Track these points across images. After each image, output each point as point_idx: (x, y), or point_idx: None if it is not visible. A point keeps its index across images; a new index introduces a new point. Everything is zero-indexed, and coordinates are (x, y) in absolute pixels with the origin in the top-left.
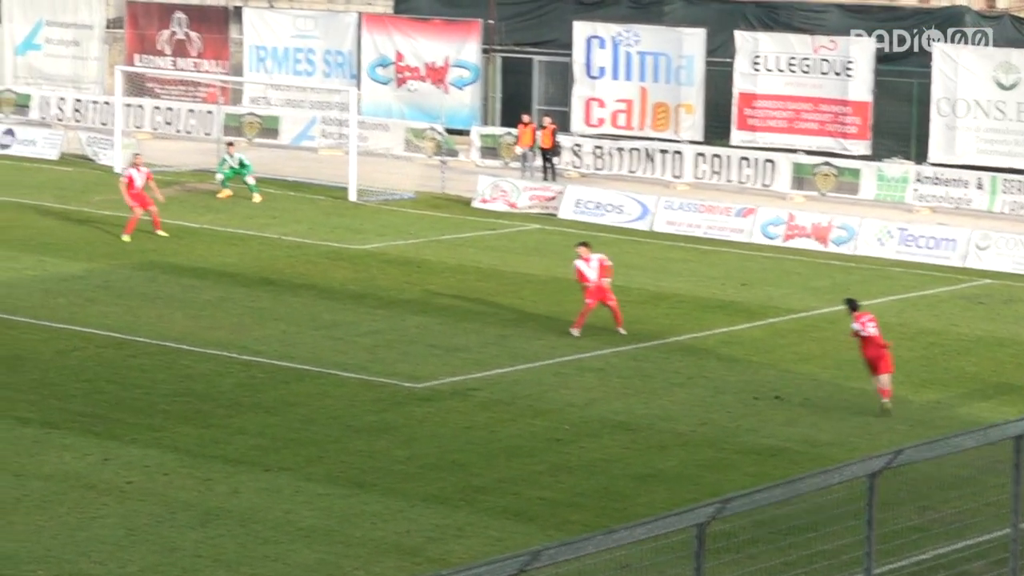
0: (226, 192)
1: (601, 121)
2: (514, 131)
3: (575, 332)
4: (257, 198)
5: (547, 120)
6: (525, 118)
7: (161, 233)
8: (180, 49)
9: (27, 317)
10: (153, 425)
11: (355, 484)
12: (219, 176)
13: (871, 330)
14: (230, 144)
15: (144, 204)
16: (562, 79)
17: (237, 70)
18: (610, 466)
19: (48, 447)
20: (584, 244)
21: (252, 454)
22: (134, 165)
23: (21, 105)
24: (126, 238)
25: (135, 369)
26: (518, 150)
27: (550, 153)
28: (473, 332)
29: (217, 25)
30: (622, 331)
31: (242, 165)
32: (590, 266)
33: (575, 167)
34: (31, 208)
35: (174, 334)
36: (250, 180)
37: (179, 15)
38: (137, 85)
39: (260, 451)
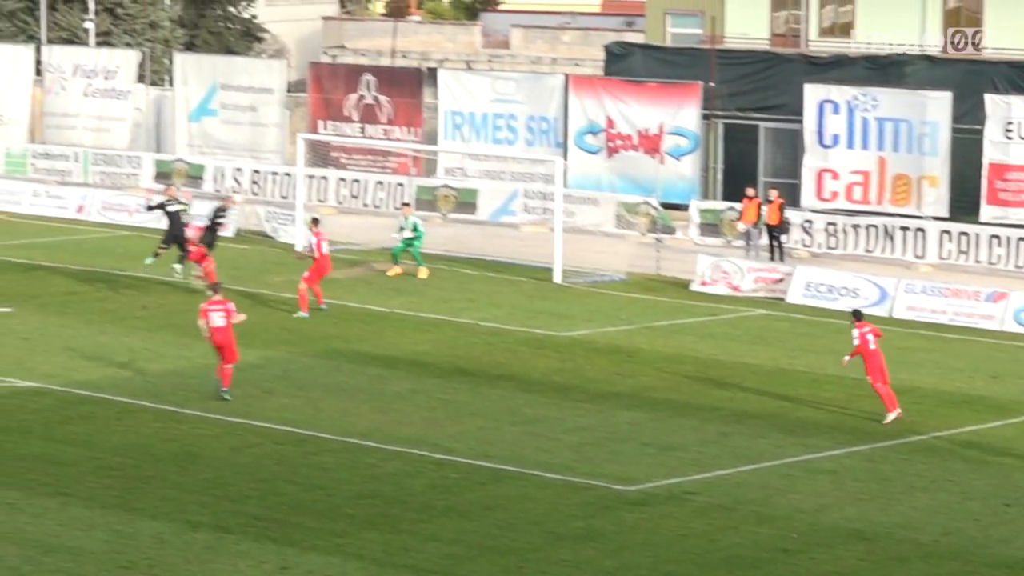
0: (396, 269)
1: (835, 195)
2: (737, 206)
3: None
4: (423, 273)
5: (774, 193)
6: (750, 191)
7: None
8: (369, 115)
9: (199, 410)
10: (336, 530)
11: None
12: (396, 236)
13: None
14: (405, 206)
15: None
16: (791, 148)
17: (431, 138)
18: None
19: (221, 554)
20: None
21: (445, 563)
22: (314, 232)
23: (194, 176)
24: (303, 314)
25: (316, 468)
26: (741, 227)
27: (778, 230)
28: (690, 429)
29: (409, 88)
30: None
31: (415, 231)
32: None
33: (805, 246)
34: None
35: (359, 429)
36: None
37: (368, 77)
38: (321, 155)
39: (454, 560)
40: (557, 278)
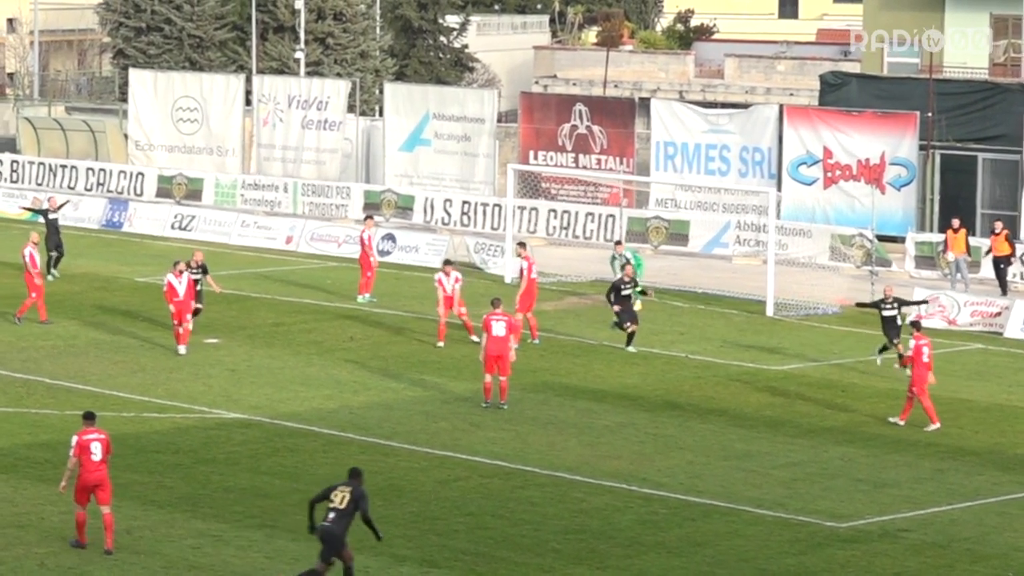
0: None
1: None
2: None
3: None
4: (638, 305)
5: (999, 225)
6: (955, 222)
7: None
8: (581, 145)
9: (405, 443)
10: (543, 566)
11: None
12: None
13: None
14: (618, 243)
15: (449, 306)
16: (1011, 179)
17: (643, 168)
18: None
19: None
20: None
21: None
22: (444, 271)
23: (404, 207)
24: (440, 344)
25: (523, 502)
26: (950, 256)
27: (1004, 262)
28: (904, 465)
29: (622, 119)
30: None
31: (635, 260)
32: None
33: None
34: (412, 321)
35: (567, 463)
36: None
37: (580, 107)
38: (531, 185)
39: None
40: (769, 311)
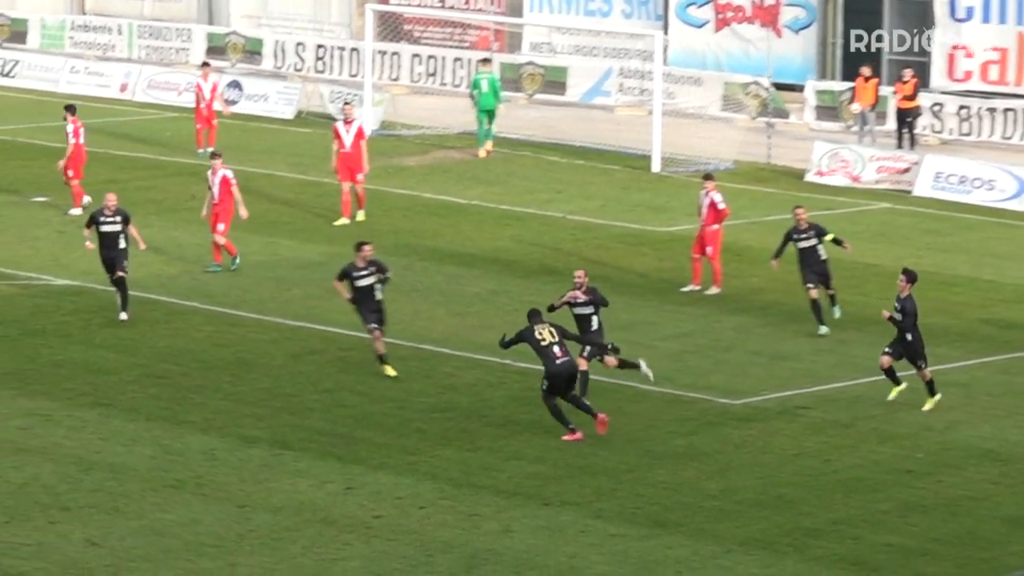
0: (487, 146)
1: (968, 75)
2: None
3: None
4: (482, 153)
5: (908, 73)
6: (865, 70)
7: (344, 221)
8: None
9: (254, 312)
10: (407, 447)
11: (656, 523)
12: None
13: None
14: (485, 61)
15: (352, 176)
16: (920, 22)
17: (516, 10)
18: (975, 505)
19: (279, 472)
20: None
21: (529, 484)
22: (346, 120)
23: (252, 52)
24: (344, 220)
25: (386, 378)
26: (855, 107)
27: (910, 115)
28: (803, 336)
29: None
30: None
31: (493, 88)
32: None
33: (935, 132)
34: (260, 178)
35: (434, 335)
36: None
37: None
38: (393, 28)
39: (539, 480)
40: (656, 167)
